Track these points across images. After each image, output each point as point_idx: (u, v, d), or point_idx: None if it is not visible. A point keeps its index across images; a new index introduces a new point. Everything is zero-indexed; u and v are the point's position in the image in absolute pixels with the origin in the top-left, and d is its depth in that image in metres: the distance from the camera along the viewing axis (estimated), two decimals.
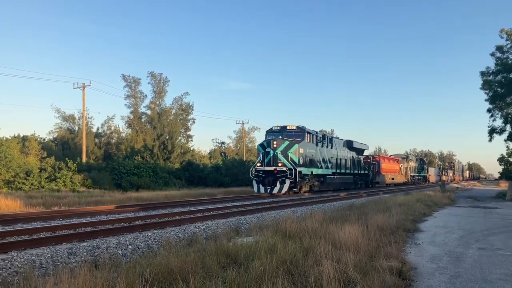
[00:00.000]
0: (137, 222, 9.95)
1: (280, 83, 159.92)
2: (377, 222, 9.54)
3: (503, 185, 47.54)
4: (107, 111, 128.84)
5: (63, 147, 44.56)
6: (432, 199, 20.08)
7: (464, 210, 16.89)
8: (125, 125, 48.69)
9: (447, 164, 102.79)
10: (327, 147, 27.18)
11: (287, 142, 22.34)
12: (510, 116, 28.43)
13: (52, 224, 9.33)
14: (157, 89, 47.97)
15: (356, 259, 5.68)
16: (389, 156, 52.26)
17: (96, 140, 47.40)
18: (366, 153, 39.34)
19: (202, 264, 5.33)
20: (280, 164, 21.68)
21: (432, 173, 69.99)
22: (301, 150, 22.69)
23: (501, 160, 34.42)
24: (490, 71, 28.45)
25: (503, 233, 10.45)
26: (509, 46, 27.54)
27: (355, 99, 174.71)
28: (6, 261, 5.71)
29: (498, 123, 29.45)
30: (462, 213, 15.73)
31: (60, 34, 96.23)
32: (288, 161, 21.78)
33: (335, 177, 28.31)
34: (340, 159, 29.54)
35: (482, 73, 28.92)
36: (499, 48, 27.76)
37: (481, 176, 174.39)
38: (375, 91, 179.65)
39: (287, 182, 21.37)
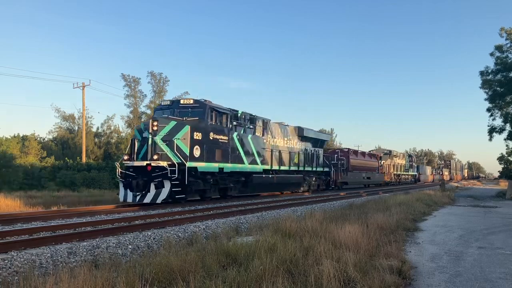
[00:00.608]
0: (137, 222, 9.93)
1: (280, 82, 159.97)
2: (377, 221, 9.55)
3: (503, 184, 47.62)
4: (107, 111, 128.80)
5: (63, 147, 44.54)
6: (432, 198, 20.10)
7: (464, 209, 16.91)
8: (125, 124, 48.63)
9: (442, 162, 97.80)
10: (254, 133, 18.87)
11: (173, 123, 14.46)
12: (510, 115, 28.45)
13: (52, 224, 9.31)
14: (157, 88, 47.94)
15: (356, 258, 5.68)
16: (369, 151, 44.19)
17: (96, 139, 47.34)
18: (335, 145, 34.56)
19: (202, 263, 5.33)
20: (156, 157, 13.84)
21: (424, 172, 63.10)
22: (199, 135, 14.80)
23: (501, 159, 34.40)
24: (490, 71, 28.50)
25: (503, 232, 10.46)
26: (508, 45, 27.59)
27: (355, 98, 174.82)
28: (6, 261, 5.69)
29: (498, 122, 29.51)
30: (462, 212, 15.75)
31: (60, 33, 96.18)
32: (173, 151, 14.01)
33: (270, 176, 20.18)
34: (280, 151, 21.33)
35: (482, 73, 28.96)
36: (499, 48, 27.79)
37: (481, 175, 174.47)
38: (375, 90, 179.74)
39: (167, 185, 13.67)
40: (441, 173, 77.66)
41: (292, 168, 22.55)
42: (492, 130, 29.59)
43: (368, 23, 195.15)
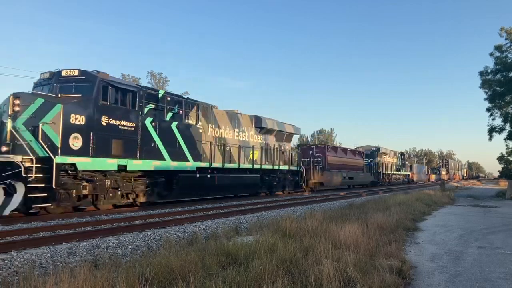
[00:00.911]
0: (136, 222, 9.94)
1: (280, 82, 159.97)
2: (377, 221, 9.55)
3: (503, 184, 47.59)
4: None
5: None
6: (432, 198, 20.11)
7: (464, 209, 16.92)
8: None
9: (439, 161, 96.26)
10: (184, 120, 14.70)
11: (40, 101, 10.61)
12: (509, 115, 28.48)
13: (52, 224, 9.32)
14: (157, 88, 48.08)
15: (356, 258, 5.69)
16: (355, 147, 40.07)
17: None
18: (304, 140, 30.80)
19: (202, 263, 5.33)
20: (5, 149, 10.19)
21: (419, 171, 59.19)
22: (80, 119, 11.01)
23: (501, 159, 34.46)
24: (489, 71, 28.55)
25: (503, 231, 10.47)
26: (508, 45, 27.63)
27: (355, 98, 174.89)
28: (6, 261, 5.70)
29: (498, 122, 29.57)
30: (461, 212, 15.75)
31: (59, 33, 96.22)
32: (37, 140, 10.26)
33: (209, 176, 15.86)
34: (228, 145, 17.25)
35: (481, 73, 29.02)
36: (498, 48, 27.83)
37: (481, 175, 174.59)
38: (375, 90, 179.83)
39: (21, 189, 9.59)
40: (437, 172, 75.00)
41: (245, 165, 18.33)
42: (492, 130, 29.64)
43: (367, 22, 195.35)
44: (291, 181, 23.09)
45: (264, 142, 20.56)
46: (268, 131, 21.08)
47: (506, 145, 31.36)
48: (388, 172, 42.97)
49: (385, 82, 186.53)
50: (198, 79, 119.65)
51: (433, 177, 68.42)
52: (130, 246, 7.43)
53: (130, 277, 4.52)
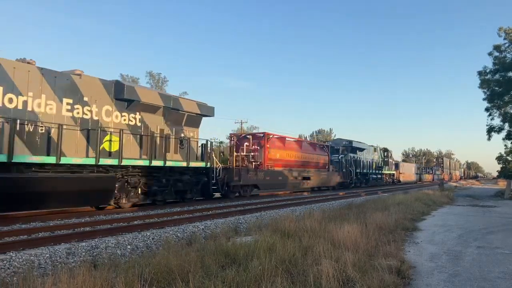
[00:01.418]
0: (135, 222, 9.93)
1: (279, 82, 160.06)
2: (376, 221, 9.57)
3: (502, 184, 47.68)
4: None
5: None
6: (431, 198, 20.15)
7: (463, 209, 16.94)
8: None
9: (434, 160, 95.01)
10: None
11: None
12: (508, 114, 28.56)
13: (51, 224, 9.30)
14: (156, 88, 48.07)
15: (355, 258, 5.69)
16: (325, 142, 33.29)
17: None
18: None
19: (201, 263, 5.33)
20: None
21: (407, 171, 52.75)
22: None
23: (500, 158, 34.57)
24: (488, 70, 28.63)
25: (502, 231, 10.48)
26: (507, 45, 27.71)
27: (353, 97, 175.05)
28: (5, 261, 5.69)
29: (497, 121, 29.67)
30: (460, 211, 15.78)
31: (58, 32, 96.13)
32: None
33: None
34: (29, 123, 10.37)
35: (480, 73, 29.11)
36: (497, 48, 27.91)
37: (480, 174, 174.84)
38: (374, 90, 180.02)
39: None
40: (431, 172, 71.67)
41: (75, 160, 11.33)
42: (490, 130, 29.74)
43: (366, 19, 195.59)
44: (195, 184, 15.97)
45: (138, 124, 13.55)
46: (145, 108, 13.69)
47: (505, 145, 31.50)
48: (366, 171, 36.07)
49: (384, 82, 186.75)
50: (197, 79, 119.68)
51: (427, 177, 65.56)
52: (129, 247, 7.43)
53: (129, 277, 4.52)
